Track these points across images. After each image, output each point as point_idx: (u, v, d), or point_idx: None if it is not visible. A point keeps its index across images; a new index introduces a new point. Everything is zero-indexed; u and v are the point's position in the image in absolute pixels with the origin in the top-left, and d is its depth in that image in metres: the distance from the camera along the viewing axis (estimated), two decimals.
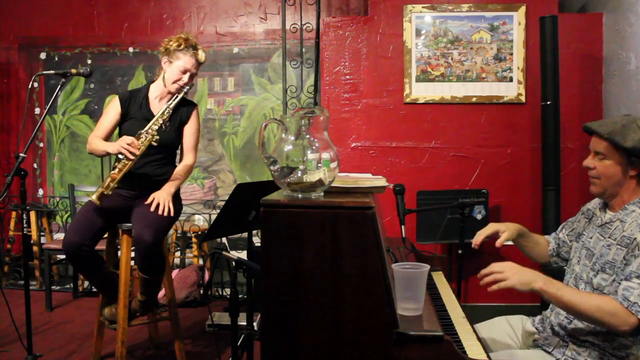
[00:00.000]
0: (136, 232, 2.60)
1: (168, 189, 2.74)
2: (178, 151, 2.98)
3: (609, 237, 1.82)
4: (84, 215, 2.71)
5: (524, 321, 2.08)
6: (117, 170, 2.64)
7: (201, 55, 2.79)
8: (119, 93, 2.86)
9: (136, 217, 2.68)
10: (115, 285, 2.81)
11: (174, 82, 2.77)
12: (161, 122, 2.71)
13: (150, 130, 2.68)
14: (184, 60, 2.75)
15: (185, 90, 2.78)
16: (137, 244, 2.61)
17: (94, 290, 4.47)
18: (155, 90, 2.86)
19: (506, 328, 2.09)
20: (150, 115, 2.77)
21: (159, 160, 2.84)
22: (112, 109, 2.82)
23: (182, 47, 2.74)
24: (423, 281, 1.63)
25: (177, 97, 2.78)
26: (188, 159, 2.91)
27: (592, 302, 1.65)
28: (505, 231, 2.03)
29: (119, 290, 2.76)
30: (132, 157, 2.60)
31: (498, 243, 2.01)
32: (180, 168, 2.88)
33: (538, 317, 2.02)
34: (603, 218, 1.88)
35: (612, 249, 1.78)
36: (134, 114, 2.81)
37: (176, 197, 2.86)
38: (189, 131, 2.89)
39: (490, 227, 2.05)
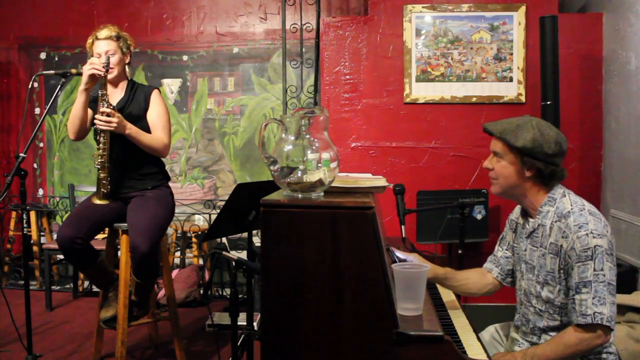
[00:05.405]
0: (131, 241, 2.67)
1: (126, 123, 2.70)
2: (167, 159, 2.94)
3: (540, 247, 1.82)
4: (80, 210, 2.80)
5: (511, 327, 2.08)
6: (98, 157, 2.68)
7: (101, 33, 2.83)
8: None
9: (130, 222, 2.73)
10: (109, 279, 2.88)
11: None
12: (103, 97, 2.71)
13: (102, 108, 2.68)
14: (95, 49, 2.86)
15: (107, 67, 2.76)
16: (132, 252, 2.68)
17: (94, 290, 4.47)
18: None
19: (494, 334, 2.11)
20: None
21: (134, 153, 2.81)
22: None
23: (88, 45, 2.90)
24: (423, 281, 1.63)
25: (106, 73, 2.76)
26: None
27: (559, 347, 1.68)
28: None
29: (119, 290, 2.77)
30: (102, 72, 2.68)
31: None
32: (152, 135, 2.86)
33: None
34: (528, 227, 1.88)
35: (547, 259, 1.79)
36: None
37: (169, 198, 2.92)
38: (151, 116, 2.88)
39: (413, 255, 2.00)
